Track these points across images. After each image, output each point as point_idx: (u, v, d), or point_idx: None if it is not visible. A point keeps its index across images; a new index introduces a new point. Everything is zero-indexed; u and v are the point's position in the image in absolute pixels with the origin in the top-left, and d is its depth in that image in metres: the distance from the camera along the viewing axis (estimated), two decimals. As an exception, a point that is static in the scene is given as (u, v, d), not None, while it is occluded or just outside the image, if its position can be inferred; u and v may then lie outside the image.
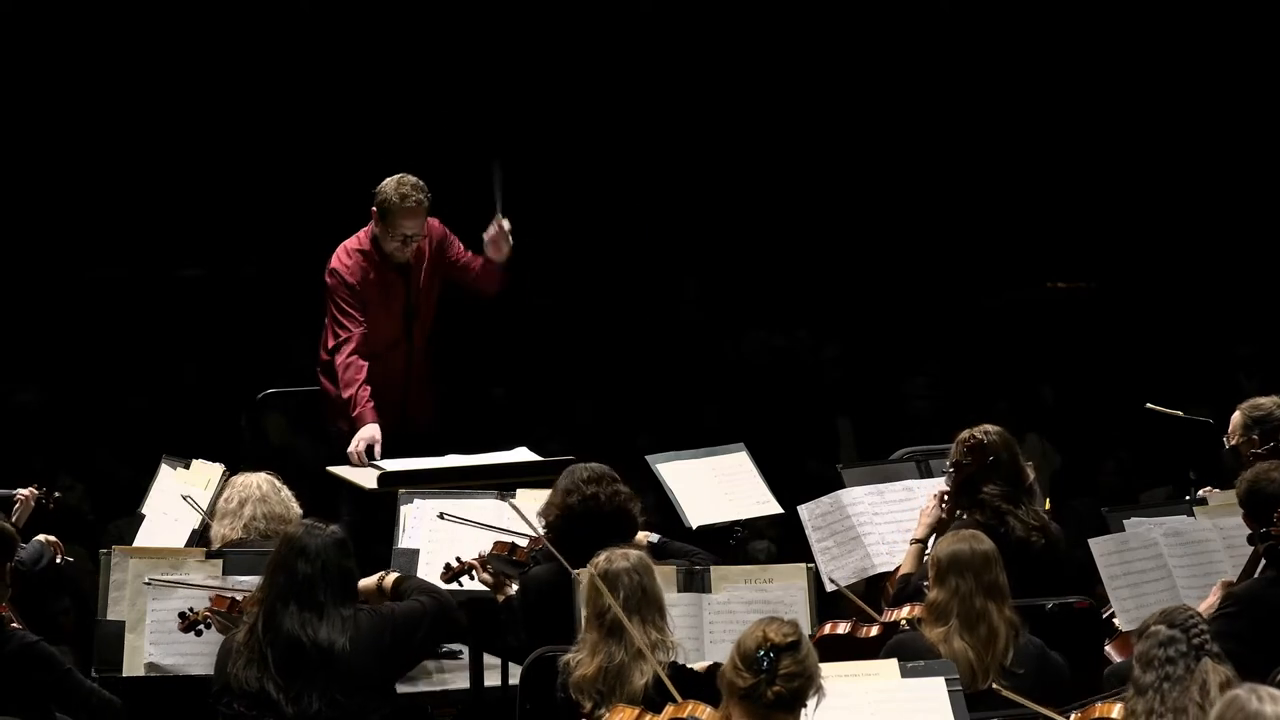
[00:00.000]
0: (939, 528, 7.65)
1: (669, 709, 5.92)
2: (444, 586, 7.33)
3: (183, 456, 8.50)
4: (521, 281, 10.86)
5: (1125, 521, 7.66)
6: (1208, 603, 7.04)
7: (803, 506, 8.18)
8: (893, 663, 6.23)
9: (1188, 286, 13.43)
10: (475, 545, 7.51)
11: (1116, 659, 7.17)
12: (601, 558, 6.40)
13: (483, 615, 7.49)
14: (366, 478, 8.59)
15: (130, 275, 13.03)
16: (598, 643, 6.28)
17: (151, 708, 7.09)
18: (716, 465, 8.67)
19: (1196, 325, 13.16)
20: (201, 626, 6.92)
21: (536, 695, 6.45)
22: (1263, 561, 7.10)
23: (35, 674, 6.65)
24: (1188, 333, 13.10)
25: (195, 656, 7.11)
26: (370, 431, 8.77)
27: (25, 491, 8.10)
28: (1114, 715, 5.94)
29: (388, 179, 9.00)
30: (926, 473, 8.43)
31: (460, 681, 8.27)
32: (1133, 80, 13.77)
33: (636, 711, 5.97)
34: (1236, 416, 8.07)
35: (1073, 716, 6.09)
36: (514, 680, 7.23)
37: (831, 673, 5.76)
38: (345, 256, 9.08)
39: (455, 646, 8.48)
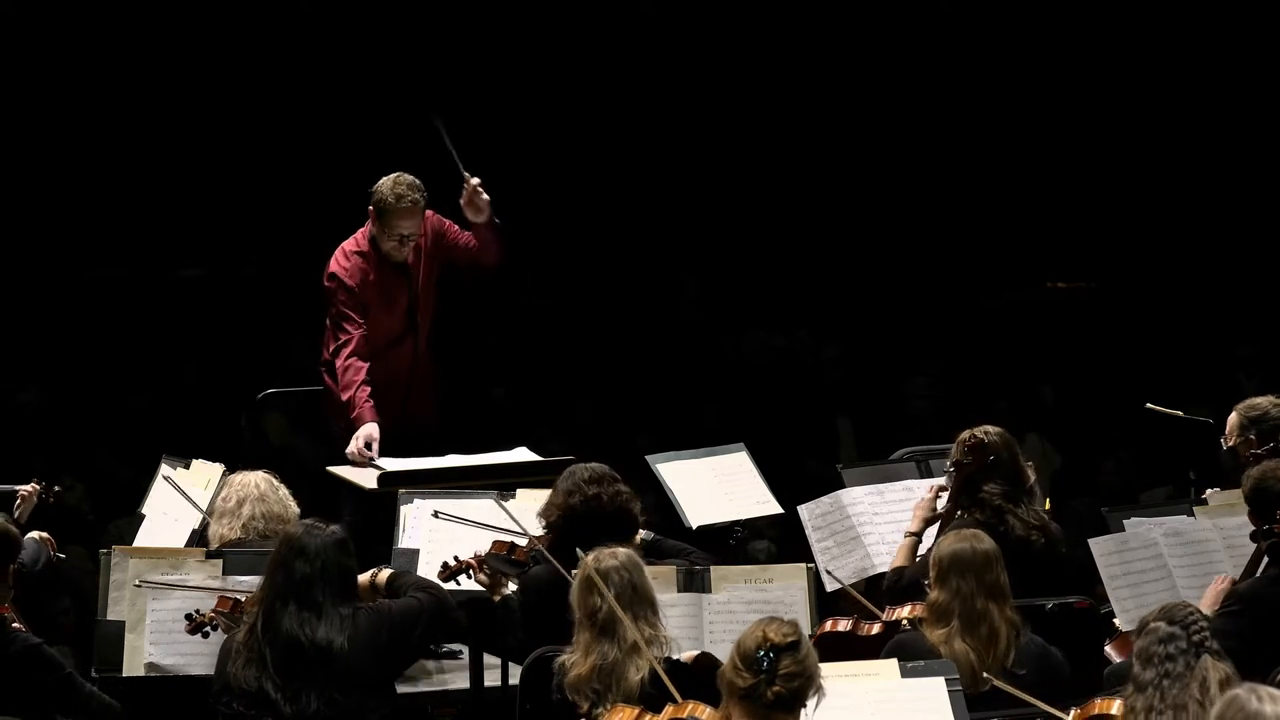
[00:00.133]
0: (935, 521, 7.67)
1: (669, 709, 5.92)
2: (442, 585, 7.34)
3: (183, 456, 8.50)
4: (522, 281, 10.90)
5: (1125, 521, 7.66)
6: (1206, 600, 7.03)
7: (803, 506, 8.18)
8: (893, 663, 6.23)
9: (1188, 286, 13.43)
10: (476, 545, 7.50)
11: (1116, 659, 7.16)
12: (590, 557, 6.42)
13: (482, 615, 7.49)
14: (366, 478, 8.59)
15: (130, 275, 13.04)
16: (590, 642, 6.29)
17: (151, 708, 7.09)
18: (716, 465, 8.67)
19: (1196, 325, 13.16)
20: (209, 629, 6.92)
21: (536, 695, 6.45)
22: (1265, 559, 7.10)
23: (37, 676, 6.65)
24: (1188, 333, 13.10)
25: (195, 656, 7.11)
26: (369, 429, 8.77)
27: (27, 487, 8.10)
28: (1113, 712, 5.94)
29: (384, 178, 9.00)
30: (926, 473, 8.43)
31: (460, 681, 8.26)
32: (1133, 80, 13.77)
33: (636, 711, 5.97)
34: (1233, 417, 8.07)
35: (1072, 713, 6.09)
36: (514, 680, 7.22)
37: (831, 673, 5.76)
38: (343, 259, 9.07)
39: (455, 646, 8.47)
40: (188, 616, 6.96)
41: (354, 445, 8.74)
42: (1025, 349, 13.13)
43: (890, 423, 12.18)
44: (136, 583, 7.19)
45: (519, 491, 7.96)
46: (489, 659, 7.91)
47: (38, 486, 8.10)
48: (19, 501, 8.05)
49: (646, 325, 13.19)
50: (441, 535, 7.80)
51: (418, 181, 8.99)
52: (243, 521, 7.46)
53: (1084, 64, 13.78)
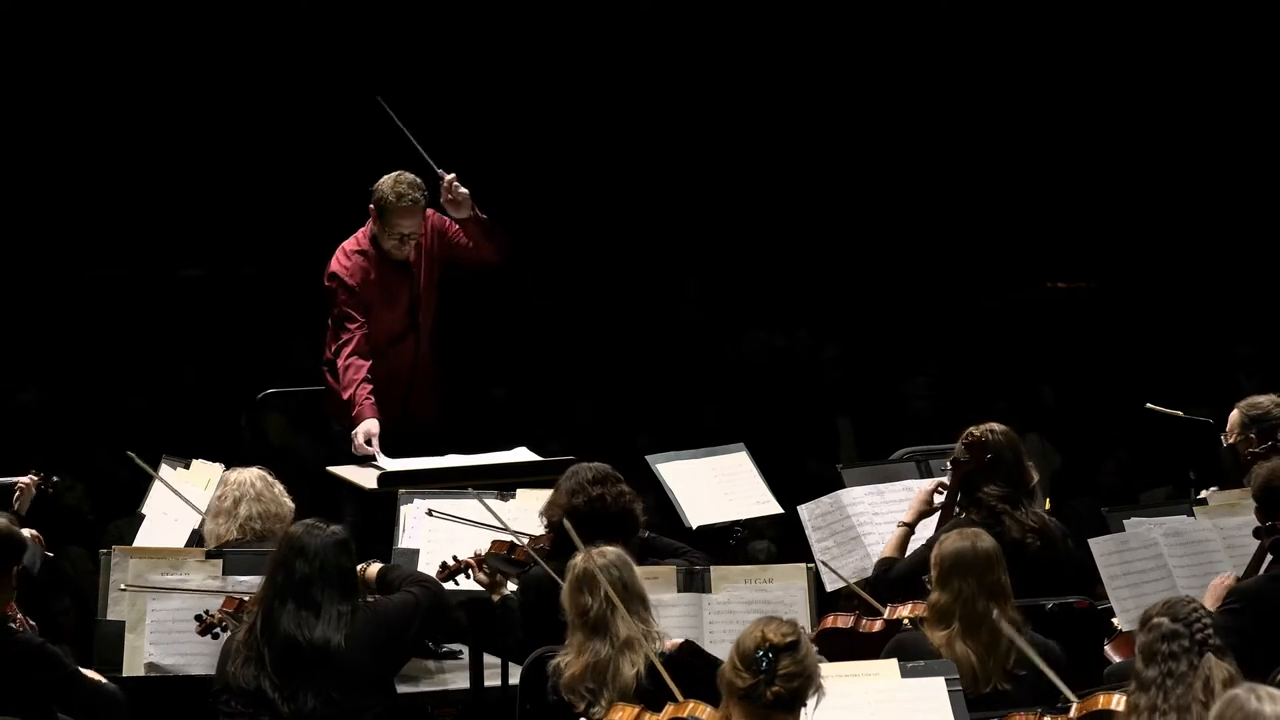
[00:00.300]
0: (930, 515, 7.68)
1: (669, 708, 5.92)
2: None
3: (183, 456, 8.50)
4: (522, 281, 10.90)
5: (1125, 521, 7.66)
6: (1209, 598, 7.02)
7: (803, 506, 8.19)
8: (893, 663, 6.23)
9: (1188, 286, 13.43)
10: (475, 545, 7.50)
11: (1116, 659, 7.17)
12: (579, 557, 6.43)
13: (482, 615, 7.49)
14: (366, 478, 8.60)
15: (130, 275, 13.04)
16: (583, 642, 6.30)
17: (151, 708, 7.08)
18: (716, 465, 8.67)
19: (1196, 325, 13.16)
20: (219, 630, 6.92)
21: (536, 695, 6.44)
22: (1269, 557, 7.10)
23: (39, 675, 6.64)
24: (1188, 333, 13.10)
25: (195, 656, 7.11)
26: (369, 425, 8.78)
27: (25, 479, 8.10)
28: (1116, 707, 5.93)
29: (384, 177, 9.00)
30: (926, 473, 8.43)
31: (460, 681, 8.27)
32: (1133, 80, 13.77)
33: (636, 711, 5.97)
34: (1234, 415, 8.08)
35: (1075, 706, 6.09)
36: (514, 680, 7.22)
37: (831, 673, 5.76)
38: (344, 258, 9.08)
39: (455, 646, 8.48)
40: (198, 618, 6.97)
41: (356, 440, 8.75)
42: (1025, 349, 13.13)
43: (890, 423, 12.18)
44: (122, 586, 7.19)
45: (519, 491, 7.96)
46: (489, 659, 7.91)
47: (35, 478, 8.10)
48: (17, 493, 8.04)
49: (646, 325, 13.19)
50: (441, 535, 7.79)
51: (418, 180, 9.00)
52: (239, 522, 7.45)
53: (1084, 64, 13.78)
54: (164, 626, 7.15)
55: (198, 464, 8.37)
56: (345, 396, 8.89)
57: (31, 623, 7.12)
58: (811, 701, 5.53)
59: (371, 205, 9.00)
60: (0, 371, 12.11)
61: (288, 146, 13.17)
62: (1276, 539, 7.02)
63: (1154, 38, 13.71)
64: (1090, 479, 11.69)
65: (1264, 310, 13.00)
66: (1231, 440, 8.07)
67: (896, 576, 7.49)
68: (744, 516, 8.62)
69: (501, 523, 7.54)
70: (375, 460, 8.70)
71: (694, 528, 8.35)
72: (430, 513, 7.82)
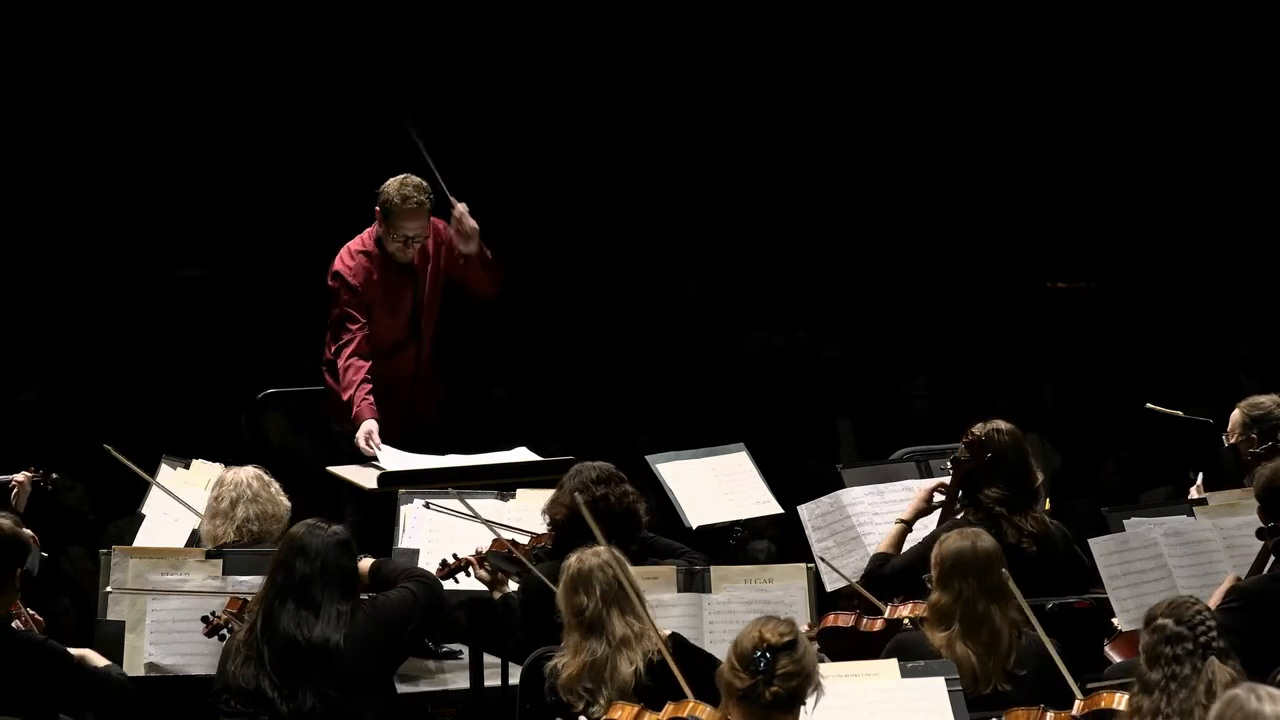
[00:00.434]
0: (929, 513, 7.68)
1: (669, 707, 5.92)
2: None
3: (183, 456, 8.50)
4: (522, 281, 10.87)
5: (1125, 521, 7.66)
6: (1213, 601, 7.01)
7: (803, 506, 8.19)
8: (893, 663, 6.23)
9: (1188, 286, 13.43)
10: (475, 545, 7.50)
11: (1116, 659, 7.16)
12: (573, 558, 6.43)
13: (482, 615, 7.49)
14: (366, 478, 8.60)
15: (130, 275, 13.03)
16: (579, 642, 6.31)
17: (152, 708, 7.08)
18: (716, 465, 8.67)
19: (1196, 325, 13.15)
20: (225, 631, 6.92)
21: (536, 695, 6.45)
22: (1272, 558, 7.10)
23: (44, 672, 6.64)
24: (1188, 333, 13.09)
25: (195, 656, 7.11)
26: (368, 425, 8.78)
27: (21, 476, 8.10)
28: (1119, 707, 5.92)
29: (390, 180, 8.99)
30: (926, 473, 8.44)
31: (460, 681, 8.27)
32: (1133, 80, 13.77)
33: (635, 710, 5.97)
34: (1236, 415, 8.08)
35: (1078, 703, 6.08)
36: (514, 680, 7.22)
37: (831, 673, 5.76)
38: (348, 258, 9.07)
39: (455, 646, 8.48)
40: (204, 619, 6.97)
41: (359, 442, 8.76)
42: (1025, 349, 13.12)
43: (890, 423, 12.18)
44: (107, 589, 7.19)
45: (519, 491, 7.96)
46: (489, 659, 7.91)
47: (32, 474, 8.10)
48: (14, 490, 8.04)
49: (646, 325, 13.18)
50: (442, 535, 7.80)
51: (424, 183, 8.98)
52: (236, 524, 7.44)
53: (1084, 64, 13.77)
54: (164, 626, 7.15)
55: (198, 464, 8.37)
56: (345, 398, 8.89)
57: (39, 618, 7.12)
58: (811, 701, 5.52)
59: (377, 208, 8.99)
60: (0, 371, 12.11)
61: (288, 147, 13.16)
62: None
63: (1154, 38, 13.70)
64: (1090, 479, 11.68)
65: (1264, 310, 13.00)
66: (1233, 440, 8.07)
67: (891, 572, 7.50)
68: (744, 516, 8.62)
69: (484, 521, 7.55)
70: (377, 459, 8.70)
71: (694, 528, 8.35)
72: (428, 505, 7.82)
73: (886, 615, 7.04)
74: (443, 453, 8.78)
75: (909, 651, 6.41)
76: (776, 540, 9.86)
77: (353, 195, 9.43)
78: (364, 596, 6.82)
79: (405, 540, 7.88)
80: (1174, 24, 13.66)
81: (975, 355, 13.06)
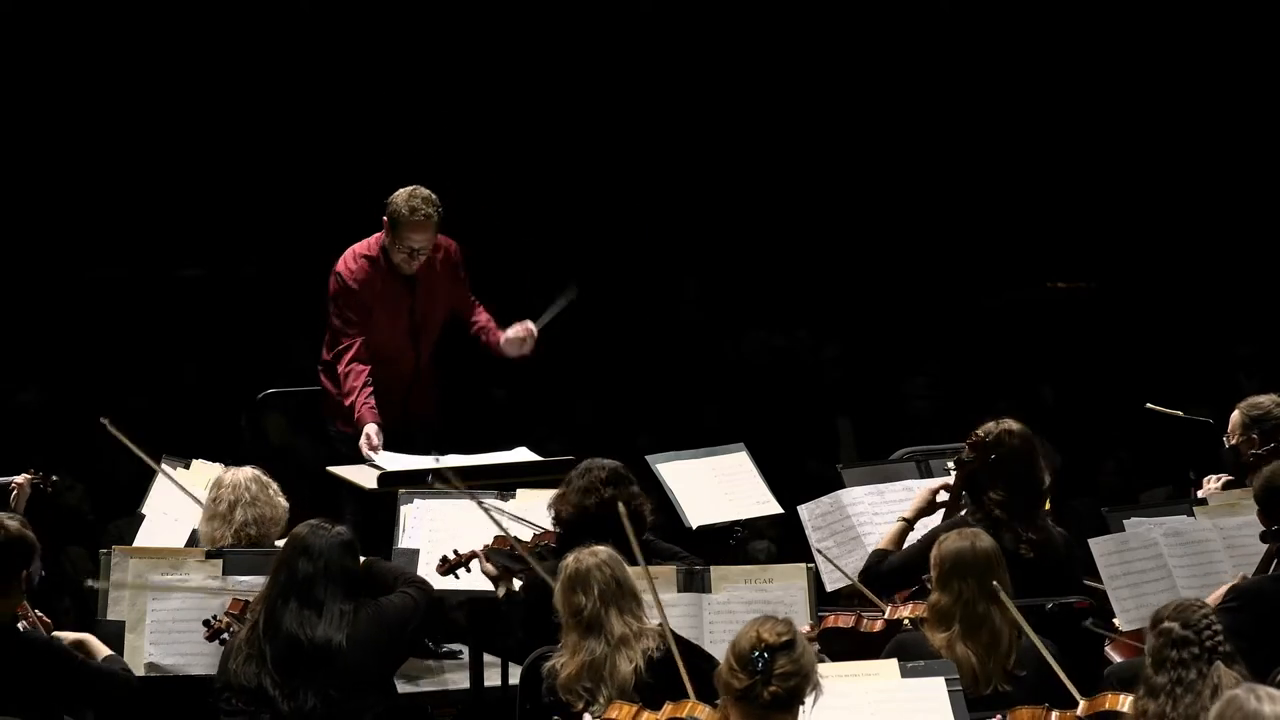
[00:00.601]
0: (932, 513, 7.67)
1: (668, 707, 5.92)
2: (440, 580, 7.35)
3: (183, 456, 8.50)
4: (522, 282, 10.87)
5: (1125, 521, 7.65)
6: (1214, 601, 7.01)
7: (803, 506, 8.17)
8: (892, 663, 6.24)
9: (1188, 286, 13.43)
10: (475, 544, 7.50)
11: (1116, 659, 7.16)
12: (570, 558, 6.43)
13: (482, 615, 7.49)
14: (366, 478, 8.60)
15: (130, 275, 13.03)
16: (578, 642, 6.32)
17: (152, 708, 7.08)
18: (716, 465, 8.66)
19: (1196, 325, 13.15)
20: (226, 635, 6.92)
21: (536, 695, 6.45)
22: (1275, 560, 7.10)
23: (50, 673, 6.64)
24: (1188, 333, 13.10)
25: (195, 656, 7.12)
26: (370, 429, 8.78)
27: (21, 478, 8.10)
28: (1123, 708, 5.92)
29: (400, 190, 8.95)
30: (926, 473, 8.43)
31: (460, 681, 8.27)
32: (1133, 80, 13.77)
33: (634, 709, 5.97)
34: (1236, 415, 8.07)
35: (1081, 704, 6.08)
36: (514, 680, 7.22)
37: (831, 673, 5.76)
38: (352, 261, 9.05)
39: (455, 646, 8.48)
40: (205, 623, 6.99)
41: (362, 447, 8.76)
42: (1025, 349, 13.12)
43: (890, 423, 12.18)
44: (88, 584, 7.19)
45: (519, 491, 7.96)
46: (489, 659, 7.92)
47: (31, 475, 8.09)
48: (14, 492, 8.03)
49: (646, 325, 13.18)
50: (442, 535, 7.80)
51: (433, 196, 8.95)
52: (234, 528, 7.43)
53: (1084, 64, 13.78)
54: (164, 626, 7.15)
55: (198, 464, 8.37)
56: (346, 403, 8.89)
57: (46, 620, 7.11)
58: (809, 700, 5.51)
59: (385, 217, 8.96)
60: (0, 371, 12.11)
61: (288, 147, 13.16)
62: (1283, 540, 7.03)
63: (1154, 38, 13.71)
64: (1090, 479, 11.68)
65: (1264, 310, 13.00)
66: (1233, 441, 8.07)
67: (889, 569, 7.48)
68: (744, 516, 8.62)
69: (493, 517, 7.55)
70: (376, 460, 8.70)
71: (694, 528, 8.35)
72: (431, 477, 7.82)
73: (887, 616, 7.04)
74: (442, 452, 8.78)
75: (909, 652, 6.41)
76: (776, 540, 9.86)
77: (353, 195, 9.43)
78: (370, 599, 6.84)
79: (405, 540, 7.88)
80: (1174, 24, 13.67)
81: (975, 355, 13.06)
